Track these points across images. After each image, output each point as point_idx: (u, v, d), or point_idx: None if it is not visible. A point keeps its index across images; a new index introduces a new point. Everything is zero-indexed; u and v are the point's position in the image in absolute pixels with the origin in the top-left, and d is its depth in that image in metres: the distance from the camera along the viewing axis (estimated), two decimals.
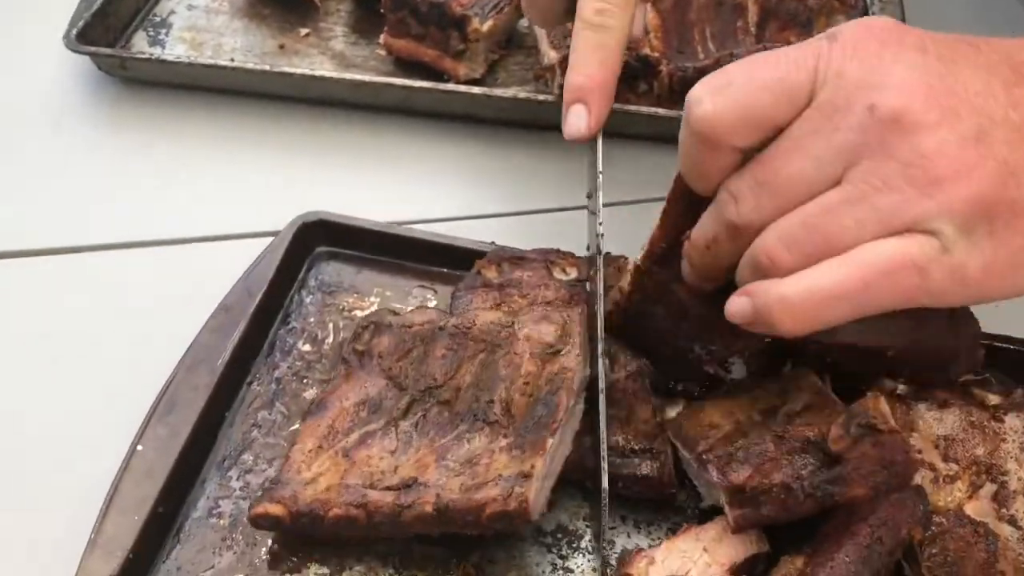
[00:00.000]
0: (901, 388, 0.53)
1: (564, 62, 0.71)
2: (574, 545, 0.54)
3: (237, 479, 0.56)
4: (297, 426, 0.57)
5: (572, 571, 0.53)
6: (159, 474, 0.53)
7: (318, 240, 0.67)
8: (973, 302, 0.43)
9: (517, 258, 0.62)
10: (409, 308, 0.62)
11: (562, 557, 0.53)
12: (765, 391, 0.54)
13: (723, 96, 0.43)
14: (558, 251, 0.62)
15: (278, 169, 0.75)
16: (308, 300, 0.65)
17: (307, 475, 0.51)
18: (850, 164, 0.41)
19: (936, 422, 0.52)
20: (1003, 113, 0.41)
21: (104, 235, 0.70)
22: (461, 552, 0.53)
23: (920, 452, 0.51)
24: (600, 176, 0.55)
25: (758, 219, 0.43)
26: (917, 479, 0.49)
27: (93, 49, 0.77)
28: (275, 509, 0.50)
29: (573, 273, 0.61)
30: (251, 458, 0.57)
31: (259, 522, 0.51)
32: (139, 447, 0.54)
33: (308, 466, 0.52)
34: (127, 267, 0.69)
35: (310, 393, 0.60)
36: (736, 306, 0.44)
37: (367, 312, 0.63)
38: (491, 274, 0.61)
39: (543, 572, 0.53)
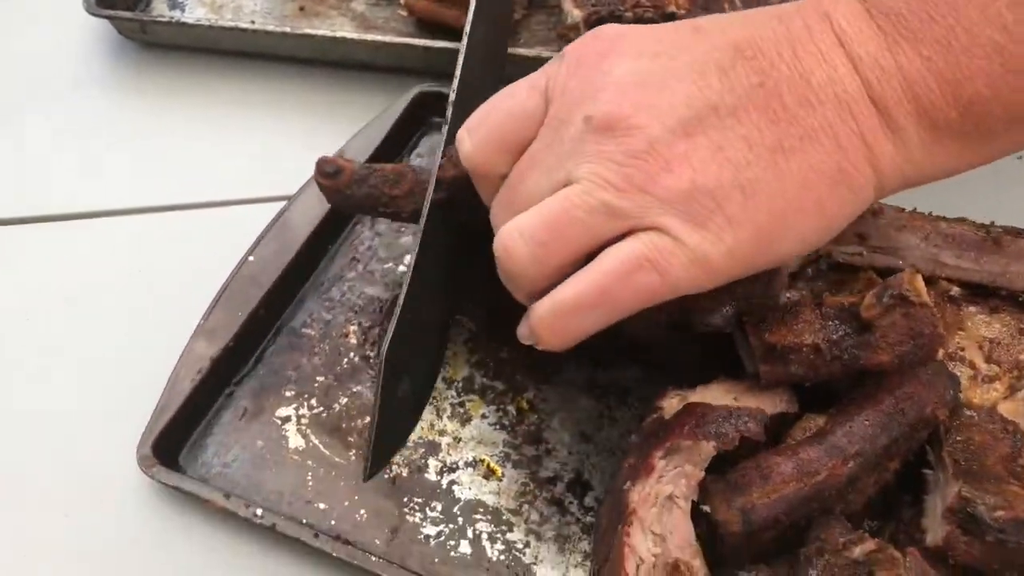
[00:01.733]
0: (955, 291, 0.54)
1: (588, 20, 0.71)
2: (621, 399, 0.58)
3: (333, 299, 0.62)
4: (390, 264, 0.64)
5: (616, 420, 0.57)
6: (264, 282, 0.60)
7: (431, 111, 0.72)
8: (729, 281, 0.44)
9: None
10: None
11: (608, 407, 0.58)
12: (826, 279, 0.57)
13: (477, 132, 0.47)
14: None
15: (299, 132, 0.75)
16: (416, 163, 0.71)
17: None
18: (574, 168, 0.43)
19: (984, 325, 0.53)
20: (717, 99, 0.42)
21: (126, 200, 0.70)
22: (518, 388, 0.59)
23: (963, 350, 0.52)
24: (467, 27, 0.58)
25: None
26: (956, 374, 0.51)
27: (113, 12, 0.78)
28: (343, 163, 0.56)
29: None
30: (347, 286, 0.63)
31: (323, 166, 0.56)
32: (250, 258, 0.62)
33: None
34: (150, 232, 0.69)
35: (406, 239, 0.66)
36: (520, 329, 0.47)
37: None
38: None
39: (590, 416, 0.57)
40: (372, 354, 0.60)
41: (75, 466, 0.56)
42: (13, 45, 0.82)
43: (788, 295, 0.50)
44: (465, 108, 0.51)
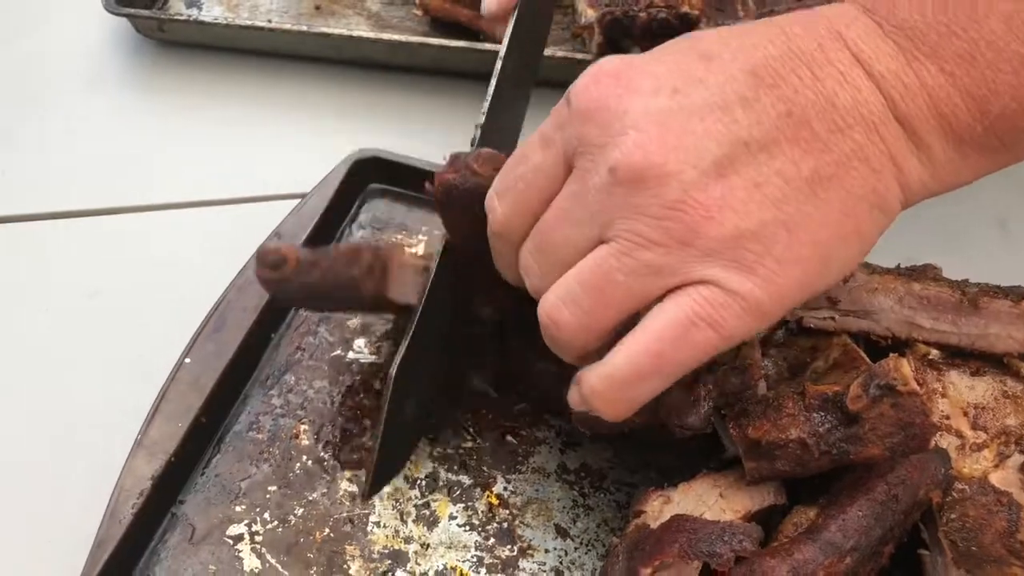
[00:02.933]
0: (934, 353, 0.52)
1: (602, 21, 0.72)
2: (595, 484, 0.55)
3: (278, 397, 0.58)
4: (339, 352, 0.60)
5: (592, 509, 0.54)
6: (204, 386, 0.56)
7: (370, 176, 0.69)
8: (781, 317, 0.42)
9: None
10: None
11: (583, 495, 0.55)
12: (798, 347, 0.55)
13: (504, 200, 0.45)
14: None
15: (314, 130, 0.76)
16: (359, 234, 0.67)
17: None
18: (607, 225, 0.41)
19: (968, 389, 0.52)
20: (745, 134, 0.40)
21: (141, 197, 0.71)
22: (486, 481, 0.55)
23: (948, 418, 0.51)
24: (500, 61, 0.56)
25: (546, 286, 0.43)
26: (943, 445, 0.49)
27: (131, 11, 0.78)
28: (286, 249, 0.51)
29: None
30: (293, 379, 0.59)
31: (265, 257, 0.51)
32: (187, 360, 0.57)
33: None
34: (165, 228, 0.70)
35: (354, 322, 0.62)
36: (570, 394, 0.45)
37: (414, 250, 0.65)
38: None
39: (564, 507, 0.54)
40: (326, 455, 0.56)
41: None
42: (32, 42, 0.82)
43: (765, 386, 0.47)
44: (494, 127, 0.52)
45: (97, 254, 0.68)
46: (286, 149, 0.75)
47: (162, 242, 0.69)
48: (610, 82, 0.42)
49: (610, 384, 0.42)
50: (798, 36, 0.41)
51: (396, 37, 0.77)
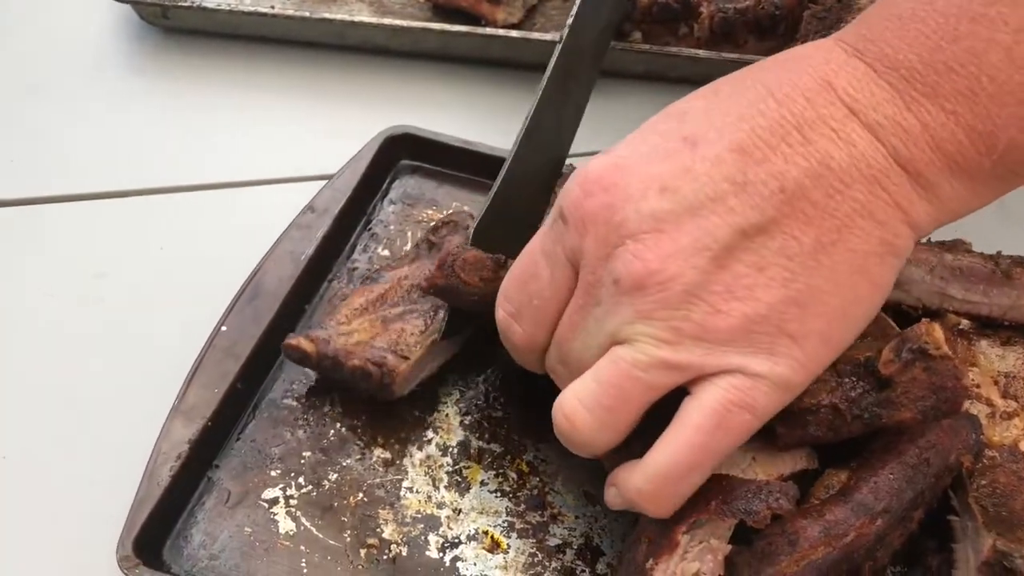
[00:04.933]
0: (965, 324, 0.53)
1: None
2: None
3: None
4: None
5: None
6: (240, 353, 0.57)
7: (401, 153, 0.69)
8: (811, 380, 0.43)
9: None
10: None
11: None
12: None
13: (522, 320, 0.47)
14: None
15: (317, 115, 0.77)
16: (390, 209, 0.68)
17: (344, 328, 0.56)
18: (618, 331, 0.41)
19: (998, 358, 0.52)
20: (741, 221, 0.39)
21: (148, 180, 0.72)
22: (517, 449, 0.56)
23: (978, 387, 0.51)
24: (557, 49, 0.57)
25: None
26: (973, 413, 0.50)
27: None
28: (306, 345, 0.55)
29: None
30: None
31: (289, 352, 0.55)
32: (223, 328, 0.58)
33: (349, 321, 0.56)
34: (174, 210, 0.71)
35: None
36: (610, 497, 0.46)
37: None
38: None
39: (594, 475, 0.55)
40: (359, 423, 0.57)
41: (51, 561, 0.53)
42: (37, 29, 0.83)
43: None
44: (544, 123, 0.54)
45: (104, 236, 0.69)
46: (290, 133, 0.76)
47: (165, 225, 0.70)
48: (600, 194, 0.42)
49: (657, 483, 0.42)
50: (786, 98, 0.40)
51: (399, 23, 0.77)
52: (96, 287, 0.66)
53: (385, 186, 0.69)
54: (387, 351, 0.54)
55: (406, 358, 0.54)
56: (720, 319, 0.40)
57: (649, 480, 0.42)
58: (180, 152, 0.74)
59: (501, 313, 0.48)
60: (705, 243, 0.40)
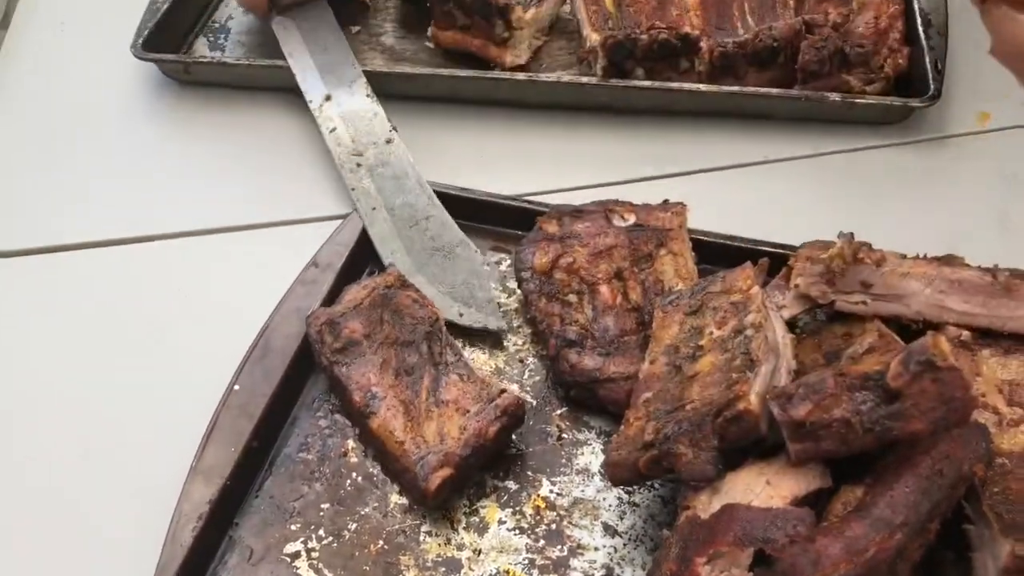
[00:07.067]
0: (965, 335, 0.53)
1: (605, 44, 0.74)
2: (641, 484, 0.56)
3: (325, 418, 0.59)
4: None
5: (638, 505, 0.55)
6: (254, 412, 0.57)
7: None
8: None
9: (576, 211, 0.64)
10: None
11: (628, 492, 0.56)
12: (832, 334, 0.56)
13: None
14: (616, 200, 0.65)
15: (331, 160, 0.76)
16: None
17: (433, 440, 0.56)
18: None
19: (1000, 367, 0.53)
20: None
21: (170, 225, 0.73)
22: (532, 485, 0.56)
23: (984, 396, 0.51)
24: None
25: None
26: (981, 421, 0.50)
27: (158, 56, 0.81)
28: (445, 473, 0.53)
29: (631, 218, 0.63)
30: (338, 400, 0.60)
31: (440, 492, 0.54)
32: (236, 387, 0.58)
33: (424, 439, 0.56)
34: (194, 253, 0.72)
35: None
36: None
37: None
38: (552, 228, 0.63)
39: (610, 505, 0.55)
40: (375, 471, 0.57)
41: None
42: (64, 84, 0.84)
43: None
44: None
45: (136, 281, 0.70)
46: (305, 178, 0.76)
47: (191, 265, 0.71)
48: None
49: None
50: None
51: (409, 69, 0.79)
52: (134, 334, 0.66)
53: None
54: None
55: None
56: None
57: None
58: (201, 198, 0.76)
59: None
60: None
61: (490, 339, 0.63)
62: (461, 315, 0.63)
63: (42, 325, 0.67)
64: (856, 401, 0.46)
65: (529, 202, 0.69)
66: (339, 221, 0.69)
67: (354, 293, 0.61)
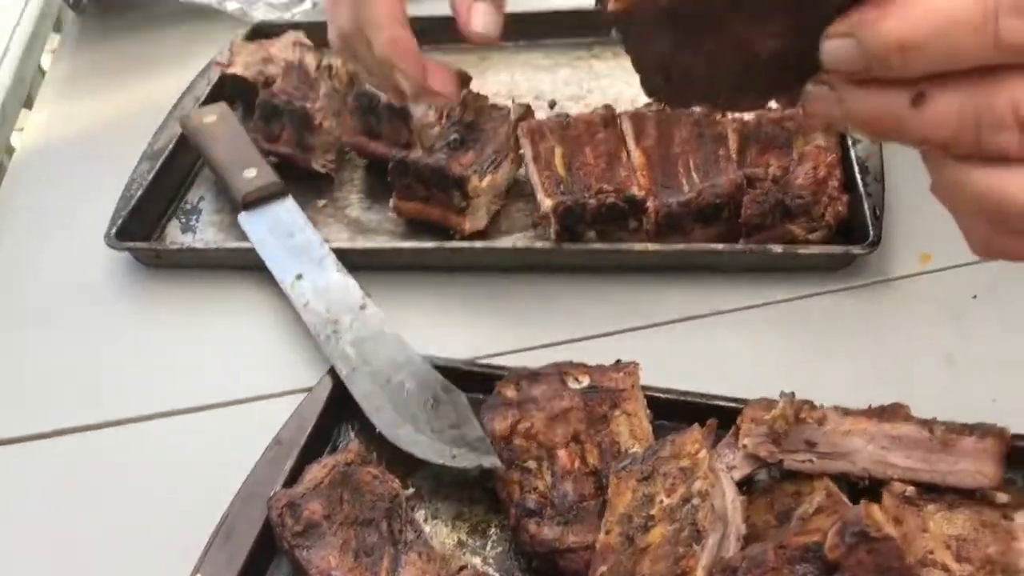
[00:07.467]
0: (910, 490, 0.54)
1: (556, 209, 0.77)
2: None
3: None
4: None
5: None
6: None
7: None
8: None
9: (533, 375, 0.66)
10: None
11: None
12: (783, 492, 0.57)
13: None
14: (570, 362, 0.66)
15: (299, 333, 0.78)
16: (357, 429, 0.70)
17: None
18: None
19: (946, 522, 0.53)
20: None
21: (139, 407, 0.75)
22: None
23: (932, 553, 0.52)
24: None
25: None
26: None
27: (131, 244, 0.85)
28: None
29: (585, 380, 0.65)
30: None
31: None
32: (199, 575, 0.59)
33: None
34: (165, 434, 0.73)
35: None
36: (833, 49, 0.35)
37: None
38: (510, 393, 0.65)
39: None
40: None
41: None
42: (36, 272, 0.88)
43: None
44: None
45: (104, 466, 0.71)
46: (275, 352, 0.78)
47: (165, 447, 0.72)
48: None
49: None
50: None
51: (371, 245, 0.83)
52: (95, 519, 0.67)
53: (352, 407, 0.71)
54: None
55: None
56: None
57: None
58: (167, 378, 0.77)
59: None
60: None
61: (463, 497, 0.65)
62: (454, 456, 0.64)
63: None
64: (797, 574, 0.46)
65: (489, 366, 0.71)
66: (307, 393, 0.70)
67: (315, 472, 0.62)
